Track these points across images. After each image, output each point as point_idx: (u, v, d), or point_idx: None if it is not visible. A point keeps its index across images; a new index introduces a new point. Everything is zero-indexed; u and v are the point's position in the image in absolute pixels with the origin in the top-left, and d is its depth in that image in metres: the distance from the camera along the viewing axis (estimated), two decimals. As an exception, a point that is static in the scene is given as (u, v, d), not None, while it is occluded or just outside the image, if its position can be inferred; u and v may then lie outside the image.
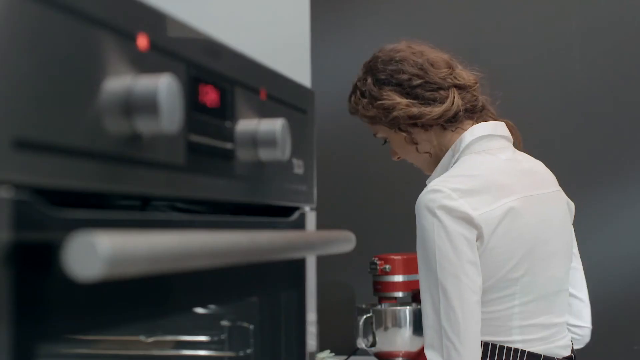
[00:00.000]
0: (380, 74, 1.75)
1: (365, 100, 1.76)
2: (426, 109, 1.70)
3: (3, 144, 0.52)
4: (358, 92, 1.79)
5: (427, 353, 1.55)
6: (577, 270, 1.82)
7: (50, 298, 0.56)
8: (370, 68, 1.78)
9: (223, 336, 1.04)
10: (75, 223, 0.58)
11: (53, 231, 0.56)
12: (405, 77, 1.72)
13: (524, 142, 1.81)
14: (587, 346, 1.85)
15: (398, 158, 1.87)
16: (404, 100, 1.71)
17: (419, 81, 1.71)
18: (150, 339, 1.05)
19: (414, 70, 1.72)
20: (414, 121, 1.71)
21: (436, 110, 1.70)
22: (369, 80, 1.76)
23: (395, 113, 1.71)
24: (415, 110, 1.70)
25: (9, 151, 0.52)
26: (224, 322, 1.04)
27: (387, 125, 1.76)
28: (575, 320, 1.79)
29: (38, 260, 0.55)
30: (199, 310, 1.03)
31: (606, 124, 2.58)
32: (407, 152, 1.81)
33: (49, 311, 0.56)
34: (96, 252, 0.48)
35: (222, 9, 0.87)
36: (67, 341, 0.77)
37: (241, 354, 1.02)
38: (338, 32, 2.84)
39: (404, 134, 1.75)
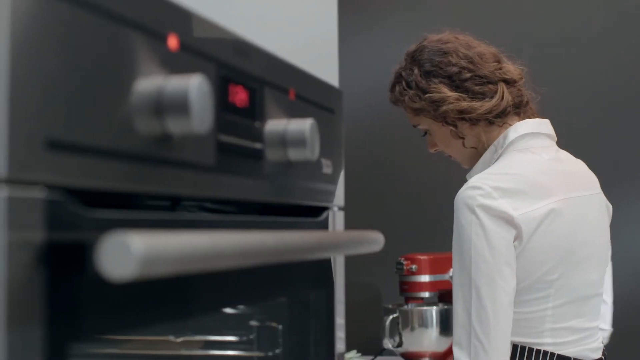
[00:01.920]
0: (427, 64, 1.70)
1: (412, 92, 1.71)
2: (476, 104, 1.66)
3: (36, 145, 0.52)
4: (403, 83, 1.73)
5: (455, 351, 1.54)
6: (606, 273, 1.79)
7: (82, 298, 0.57)
8: (417, 58, 1.73)
9: (252, 336, 1.04)
10: (107, 223, 0.59)
11: (85, 231, 0.57)
12: (454, 69, 1.68)
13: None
14: (618, 346, 1.83)
15: (435, 150, 1.83)
16: (454, 94, 1.66)
17: (468, 74, 1.67)
18: (180, 339, 1.06)
19: (464, 63, 1.68)
20: (463, 115, 1.67)
21: (486, 105, 1.66)
22: (416, 70, 1.71)
23: (444, 107, 1.66)
24: (465, 104, 1.66)
25: (41, 152, 0.52)
26: (253, 322, 1.04)
27: (433, 118, 1.71)
28: (599, 323, 1.76)
29: (71, 260, 0.55)
30: (228, 310, 1.03)
31: (629, 121, 2.56)
32: (451, 146, 1.76)
33: (81, 311, 0.57)
34: (130, 252, 0.48)
35: (250, 9, 0.87)
36: (98, 341, 0.77)
37: (270, 354, 1.02)
38: (365, 31, 2.84)
39: (451, 128, 1.71)
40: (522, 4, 2.70)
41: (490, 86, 1.67)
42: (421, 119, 1.75)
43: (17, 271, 0.51)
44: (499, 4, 2.71)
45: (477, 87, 1.67)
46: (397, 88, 1.75)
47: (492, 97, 1.67)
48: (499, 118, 1.68)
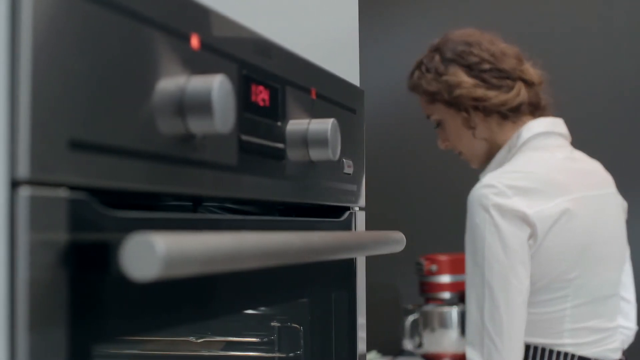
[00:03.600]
0: (449, 52, 1.73)
1: (429, 75, 1.73)
2: (491, 93, 1.67)
3: (58, 146, 0.52)
4: (423, 67, 1.76)
5: (467, 350, 1.54)
6: (627, 271, 1.78)
7: (105, 298, 0.56)
8: (439, 47, 1.76)
9: (273, 337, 1.04)
10: (130, 223, 0.58)
11: (108, 232, 0.56)
12: (475, 59, 1.69)
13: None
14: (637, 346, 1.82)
15: (446, 146, 1.83)
16: (471, 80, 1.68)
17: (488, 66, 1.69)
18: (200, 340, 1.05)
19: (485, 55, 1.70)
20: (477, 103, 1.68)
21: (501, 96, 1.67)
22: (437, 57, 1.73)
23: (459, 91, 1.68)
24: (480, 91, 1.67)
25: (64, 152, 0.52)
26: (274, 323, 1.03)
27: (447, 104, 1.72)
28: (623, 321, 1.75)
29: (93, 260, 0.55)
30: (249, 311, 1.03)
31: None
32: (461, 138, 1.76)
33: (104, 312, 0.56)
34: (154, 252, 0.48)
35: (270, 8, 0.86)
36: (120, 341, 0.77)
37: (291, 355, 1.01)
38: (386, 30, 2.83)
39: (463, 114, 1.71)
40: (545, 4, 2.68)
41: (509, 81, 1.68)
42: (435, 108, 1.76)
43: (40, 272, 0.51)
44: (522, 5, 2.70)
45: (494, 80, 1.68)
46: (416, 73, 1.78)
47: (508, 92, 1.68)
48: (513, 114, 1.68)
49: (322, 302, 0.99)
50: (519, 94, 1.68)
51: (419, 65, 1.79)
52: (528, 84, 1.71)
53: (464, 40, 1.73)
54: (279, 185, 0.81)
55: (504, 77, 1.69)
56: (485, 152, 1.75)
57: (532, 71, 1.74)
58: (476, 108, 1.69)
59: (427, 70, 1.75)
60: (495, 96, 1.67)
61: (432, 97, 1.75)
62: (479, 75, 1.68)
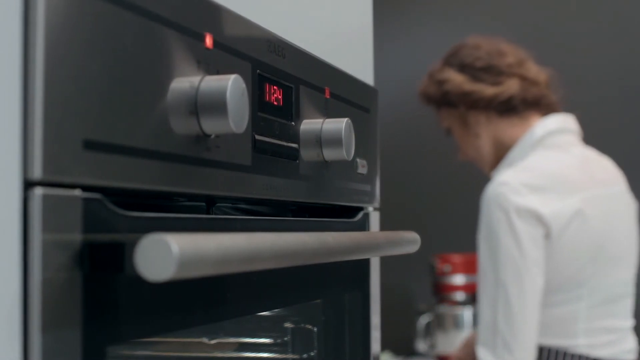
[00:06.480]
0: (449, 57, 1.77)
1: (427, 80, 1.77)
2: (477, 86, 1.69)
3: (72, 146, 0.51)
4: (427, 76, 1.81)
5: (480, 351, 1.53)
6: None
7: (119, 299, 0.56)
8: (446, 55, 1.79)
9: (286, 338, 1.03)
10: (145, 224, 0.58)
11: (123, 232, 0.56)
12: (469, 59, 1.72)
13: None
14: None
15: (464, 158, 1.85)
16: (460, 77, 1.71)
17: (481, 64, 1.71)
18: (213, 341, 1.05)
19: (480, 54, 1.72)
20: (467, 98, 1.70)
21: (489, 90, 1.69)
22: (439, 64, 1.77)
23: (447, 86, 1.72)
24: (467, 86, 1.70)
25: (78, 153, 0.52)
26: (287, 324, 1.03)
27: (443, 104, 1.76)
28: None
29: (108, 261, 0.54)
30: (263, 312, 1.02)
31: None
32: (466, 141, 1.79)
33: (118, 312, 0.56)
34: (170, 253, 0.48)
35: (284, 8, 0.86)
36: (133, 343, 0.77)
37: (305, 356, 1.01)
38: (400, 29, 2.82)
39: (459, 112, 1.74)
40: (561, 3, 2.67)
41: (502, 77, 1.70)
42: (441, 114, 1.79)
43: (53, 273, 0.50)
44: (536, 5, 2.69)
45: (487, 76, 1.70)
46: (422, 83, 1.83)
47: (497, 86, 1.70)
48: (508, 110, 1.70)
49: (336, 303, 0.98)
50: (510, 88, 1.69)
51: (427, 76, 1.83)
52: (529, 81, 1.71)
53: (463, 42, 1.76)
54: (293, 186, 0.81)
55: (498, 73, 1.70)
56: (493, 154, 1.75)
57: (535, 69, 1.74)
58: (469, 105, 1.71)
59: (428, 76, 1.79)
60: (482, 89, 1.69)
61: (429, 100, 1.79)
62: (470, 73, 1.71)
